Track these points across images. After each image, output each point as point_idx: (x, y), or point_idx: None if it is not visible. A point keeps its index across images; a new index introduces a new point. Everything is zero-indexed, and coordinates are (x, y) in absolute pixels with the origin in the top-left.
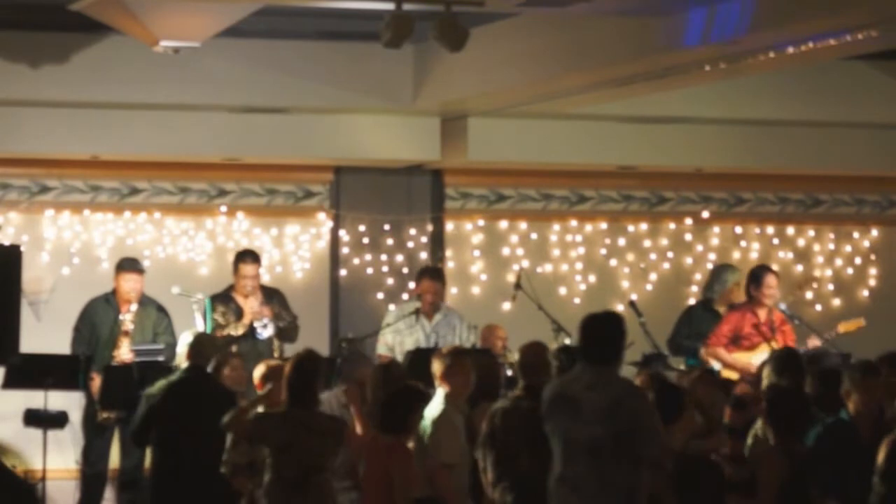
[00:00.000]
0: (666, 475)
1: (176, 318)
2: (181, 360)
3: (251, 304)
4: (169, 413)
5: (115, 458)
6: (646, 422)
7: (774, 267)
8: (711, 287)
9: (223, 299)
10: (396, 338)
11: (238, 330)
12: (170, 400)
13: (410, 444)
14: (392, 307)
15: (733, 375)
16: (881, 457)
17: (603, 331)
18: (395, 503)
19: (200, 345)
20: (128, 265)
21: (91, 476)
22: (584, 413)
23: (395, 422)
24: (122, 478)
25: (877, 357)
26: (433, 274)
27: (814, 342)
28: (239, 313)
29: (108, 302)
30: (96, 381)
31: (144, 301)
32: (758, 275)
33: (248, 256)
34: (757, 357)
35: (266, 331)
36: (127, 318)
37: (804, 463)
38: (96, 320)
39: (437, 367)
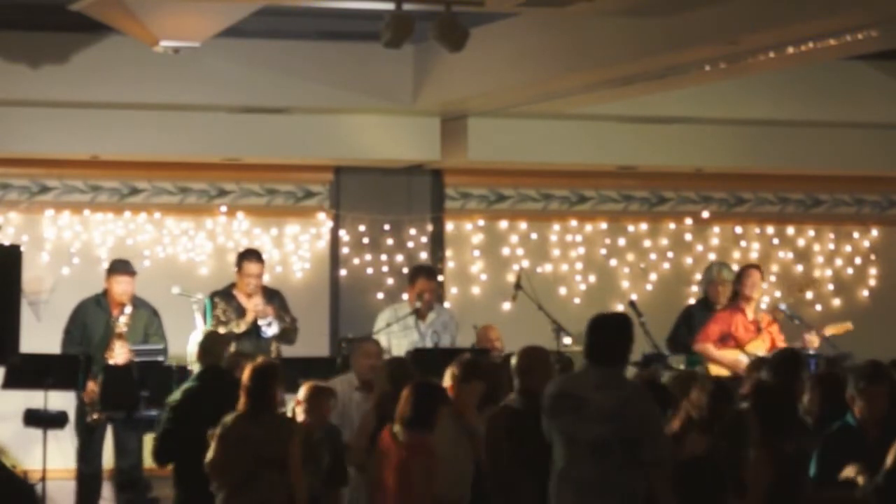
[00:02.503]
0: (666, 476)
1: (176, 318)
2: (192, 362)
3: (256, 302)
4: (190, 422)
5: (113, 459)
6: (651, 425)
7: (774, 267)
8: (703, 283)
9: (224, 296)
10: (392, 340)
11: (240, 327)
12: (188, 409)
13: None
14: (389, 310)
15: (723, 372)
16: (890, 458)
17: (612, 332)
18: (412, 500)
19: (210, 343)
20: (120, 267)
21: (87, 476)
22: (591, 413)
23: (422, 419)
24: (121, 478)
25: (889, 362)
26: (428, 272)
27: (810, 340)
28: (240, 311)
29: (99, 304)
30: (89, 386)
31: (137, 303)
32: (740, 272)
33: (252, 255)
34: (745, 354)
35: (271, 329)
36: (122, 321)
37: (791, 462)
38: (87, 321)
39: (448, 376)
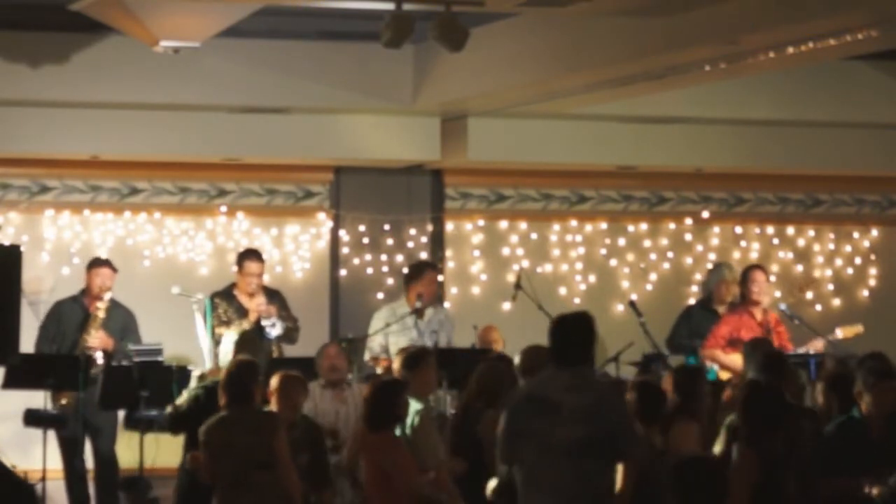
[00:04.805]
0: (635, 468)
1: (176, 319)
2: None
3: (259, 302)
4: (202, 410)
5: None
6: (625, 420)
7: (774, 267)
8: (706, 285)
9: (225, 296)
10: (390, 339)
11: (244, 327)
12: (207, 399)
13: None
14: (386, 309)
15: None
16: None
17: (576, 332)
18: (397, 497)
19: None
20: (99, 261)
21: (72, 476)
22: (564, 414)
23: (379, 417)
24: (106, 478)
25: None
26: (434, 266)
27: (815, 345)
28: (241, 311)
29: (76, 301)
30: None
31: (115, 303)
32: (745, 273)
33: (253, 255)
34: None
35: (275, 330)
36: (101, 307)
37: (778, 461)
38: (62, 317)
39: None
